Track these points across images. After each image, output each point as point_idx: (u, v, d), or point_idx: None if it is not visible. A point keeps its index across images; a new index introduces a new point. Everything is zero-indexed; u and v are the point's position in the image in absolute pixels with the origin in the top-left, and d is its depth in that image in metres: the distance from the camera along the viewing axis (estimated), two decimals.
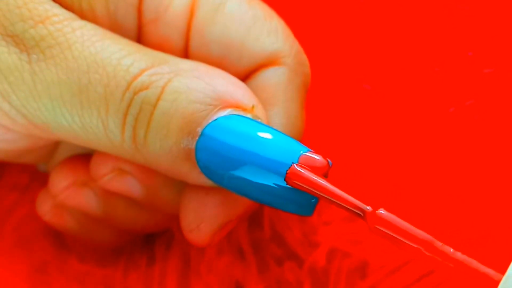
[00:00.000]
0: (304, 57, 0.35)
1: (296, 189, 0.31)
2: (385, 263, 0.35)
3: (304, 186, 0.31)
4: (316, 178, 0.30)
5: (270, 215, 0.37)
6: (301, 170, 0.31)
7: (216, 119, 0.32)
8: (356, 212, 0.30)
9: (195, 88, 0.32)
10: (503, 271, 0.30)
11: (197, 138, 0.32)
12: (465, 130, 0.36)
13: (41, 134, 0.34)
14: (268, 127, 0.32)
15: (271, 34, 0.35)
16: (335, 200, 0.30)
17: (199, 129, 0.32)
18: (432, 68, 0.37)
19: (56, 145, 0.37)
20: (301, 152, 0.31)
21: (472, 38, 0.37)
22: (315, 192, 0.30)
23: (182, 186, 0.34)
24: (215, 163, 0.32)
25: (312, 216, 0.35)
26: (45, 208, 0.37)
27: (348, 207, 0.30)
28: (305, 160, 0.31)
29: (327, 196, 0.30)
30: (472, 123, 0.36)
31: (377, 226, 0.29)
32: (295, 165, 0.31)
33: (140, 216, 0.36)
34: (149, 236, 0.38)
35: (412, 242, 0.29)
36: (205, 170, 0.32)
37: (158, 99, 0.32)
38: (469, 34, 0.37)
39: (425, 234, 0.29)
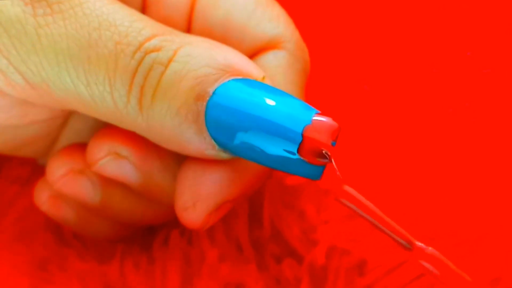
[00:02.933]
0: (304, 44, 0.35)
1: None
2: (384, 262, 0.35)
3: (353, 207, 0.31)
4: (367, 202, 0.31)
5: (270, 213, 0.37)
6: (354, 192, 0.31)
7: (229, 80, 0.32)
8: (404, 244, 0.30)
9: (207, 55, 0.32)
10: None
11: (208, 98, 0.31)
12: (463, 131, 0.36)
13: (37, 98, 0.33)
14: (281, 91, 0.32)
15: (272, 20, 0.35)
16: (384, 228, 0.30)
17: (211, 90, 0.31)
18: (431, 69, 0.37)
19: (54, 139, 0.37)
20: (312, 117, 0.31)
21: (471, 39, 0.37)
22: (364, 216, 0.30)
23: (177, 173, 0.34)
24: (226, 122, 0.31)
25: (312, 213, 0.35)
26: (42, 198, 0.37)
27: (397, 238, 0.30)
28: (316, 125, 0.31)
29: (376, 223, 0.30)
30: (471, 123, 0.36)
31: (422, 262, 0.30)
32: (345, 186, 0.31)
33: (137, 207, 0.36)
34: (147, 235, 0.38)
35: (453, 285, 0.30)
36: (214, 130, 0.31)
37: (170, 60, 0.32)
38: (468, 35, 0.37)
39: (468, 277, 0.30)
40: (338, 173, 0.31)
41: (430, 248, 0.30)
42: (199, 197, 0.33)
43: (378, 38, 0.38)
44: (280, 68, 0.34)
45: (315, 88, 0.37)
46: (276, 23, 0.35)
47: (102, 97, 0.32)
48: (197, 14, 0.35)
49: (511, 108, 0.36)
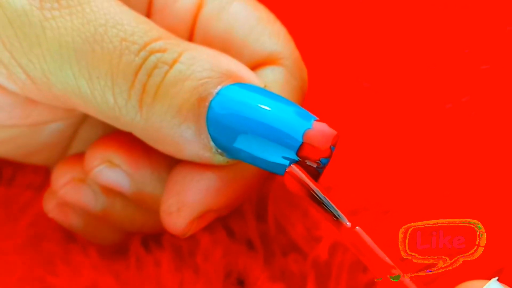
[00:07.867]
0: (302, 64, 0.36)
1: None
2: None
3: (299, 185, 0.31)
4: (309, 182, 0.31)
5: (275, 211, 0.37)
6: (298, 172, 0.31)
7: (232, 84, 0.32)
8: (335, 221, 0.31)
9: (211, 60, 0.32)
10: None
11: (210, 99, 0.32)
12: (462, 126, 0.36)
13: (38, 94, 0.33)
14: (282, 98, 0.32)
15: (272, 36, 0.35)
16: (323, 205, 0.31)
17: (214, 91, 0.32)
18: (430, 65, 0.37)
19: (65, 148, 0.38)
20: (311, 123, 0.31)
21: (469, 35, 0.37)
22: (305, 195, 0.31)
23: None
24: (227, 124, 0.32)
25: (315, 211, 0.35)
26: (50, 205, 0.38)
27: (333, 212, 0.31)
28: (316, 130, 0.31)
29: (319, 199, 0.31)
30: (469, 119, 0.36)
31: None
32: (293, 165, 0.31)
33: (137, 216, 0.37)
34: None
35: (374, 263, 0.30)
36: (215, 131, 0.32)
37: (175, 61, 0.32)
38: (466, 31, 0.37)
39: (389, 261, 0.30)
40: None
41: (357, 227, 0.30)
42: (184, 203, 0.33)
43: (377, 36, 0.39)
44: (276, 83, 0.35)
45: (315, 85, 0.37)
46: (275, 40, 0.35)
47: (102, 92, 0.32)
48: (199, 25, 0.35)
49: (509, 103, 0.36)
